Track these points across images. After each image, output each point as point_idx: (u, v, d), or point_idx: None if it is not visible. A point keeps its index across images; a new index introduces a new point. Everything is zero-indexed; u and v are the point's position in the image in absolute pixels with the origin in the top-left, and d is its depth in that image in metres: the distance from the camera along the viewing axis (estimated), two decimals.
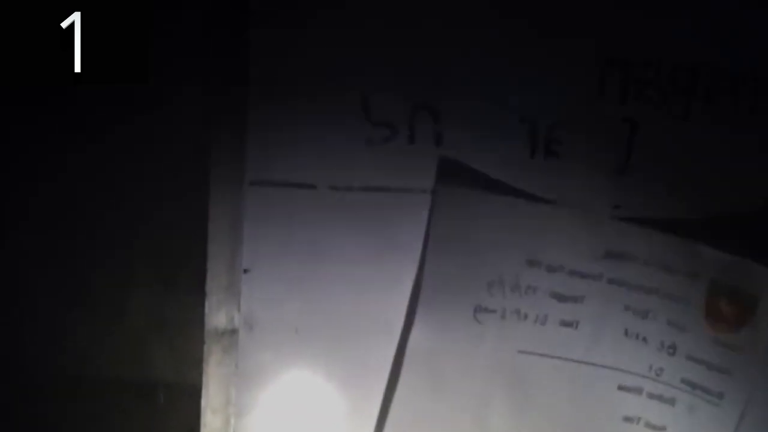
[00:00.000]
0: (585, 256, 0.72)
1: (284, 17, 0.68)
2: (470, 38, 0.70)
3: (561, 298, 0.73)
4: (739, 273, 0.72)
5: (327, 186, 0.70)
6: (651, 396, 0.74)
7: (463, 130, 0.71)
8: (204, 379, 0.72)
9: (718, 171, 0.72)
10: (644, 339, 0.73)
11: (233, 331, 0.72)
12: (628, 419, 0.74)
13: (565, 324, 0.73)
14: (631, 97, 0.71)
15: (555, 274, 0.72)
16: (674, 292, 0.72)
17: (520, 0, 0.70)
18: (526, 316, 0.72)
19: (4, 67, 0.69)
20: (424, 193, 0.71)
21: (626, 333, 0.73)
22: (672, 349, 0.73)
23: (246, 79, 0.69)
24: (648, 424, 0.74)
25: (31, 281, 0.76)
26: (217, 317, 0.72)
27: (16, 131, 0.74)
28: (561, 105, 0.71)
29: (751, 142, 0.73)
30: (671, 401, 0.73)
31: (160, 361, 0.77)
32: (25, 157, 0.74)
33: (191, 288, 0.74)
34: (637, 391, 0.74)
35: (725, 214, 0.73)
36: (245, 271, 0.71)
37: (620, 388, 0.74)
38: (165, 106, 0.72)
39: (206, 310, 0.72)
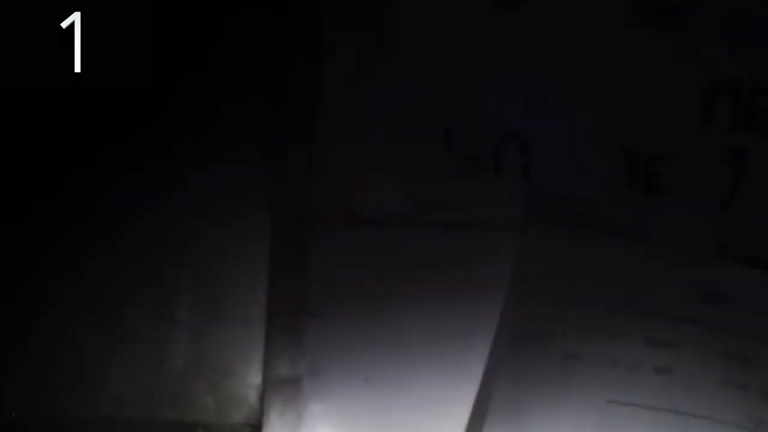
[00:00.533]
0: (683, 298, 0.67)
1: (361, 38, 0.63)
2: (561, 63, 0.65)
3: (655, 343, 0.67)
4: None
5: (403, 223, 0.65)
6: None
7: (554, 161, 0.65)
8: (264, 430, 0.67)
9: None
10: (744, 387, 0.68)
11: (297, 379, 0.66)
12: None
13: (659, 371, 0.68)
14: (740, 126, 0.65)
15: (650, 317, 0.67)
16: None
17: (617, 22, 0.65)
18: (617, 363, 0.67)
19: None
20: (509, 230, 0.66)
21: (724, 381, 0.68)
22: None
23: (317, 101, 0.63)
24: None
25: (68, 318, 0.71)
26: (279, 363, 0.67)
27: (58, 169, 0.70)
28: (662, 134, 0.66)
29: None
30: None
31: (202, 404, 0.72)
32: (64, 195, 0.70)
33: (241, 328, 0.69)
34: None
35: None
36: (312, 313, 0.66)
37: None
38: (229, 135, 0.67)
39: (266, 355, 0.67)
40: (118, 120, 0.70)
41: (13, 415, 0.71)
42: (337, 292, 0.66)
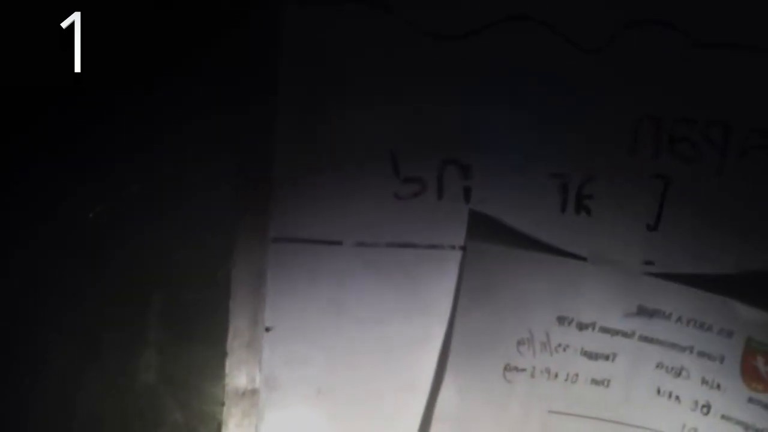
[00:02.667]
0: (617, 313, 0.71)
1: (312, 74, 0.67)
2: (499, 93, 0.69)
3: (592, 356, 0.71)
4: None
5: (353, 243, 0.69)
6: None
7: (493, 185, 0.69)
8: None
9: (751, 227, 0.71)
10: (677, 398, 0.71)
11: (254, 392, 0.70)
12: None
13: (596, 383, 0.71)
14: (664, 153, 0.70)
15: (586, 331, 0.71)
16: (708, 350, 0.71)
17: (553, 56, 0.69)
18: (556, 375, 0.71)
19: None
20: (453, 250, 0.69)
21: (659, 391, 0.71)
22: (706, 408, 0.71)
23: (273, 130, 0.67)
24: None
25: (40, 337, 0.72)
26: (237, 377, 0.70)
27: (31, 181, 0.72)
28: (592, 160, 0.70)
29: None
30: None
31: (172, 421, 0.74)
32: (35, 205, 0.71)
33: (208, 346, 0.71)
34: None
35: (760, 271, 0.71)
36: (267, 329, 0.69)
37: None
38: (189, 160, 0.70)
39: (227, 369, 0.70)
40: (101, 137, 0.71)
41: None
42: (291, 309, 0.68)
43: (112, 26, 0.69)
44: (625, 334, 0.71)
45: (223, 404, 0.71)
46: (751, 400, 0.71)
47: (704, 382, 0.71)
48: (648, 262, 0.71)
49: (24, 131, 0.71)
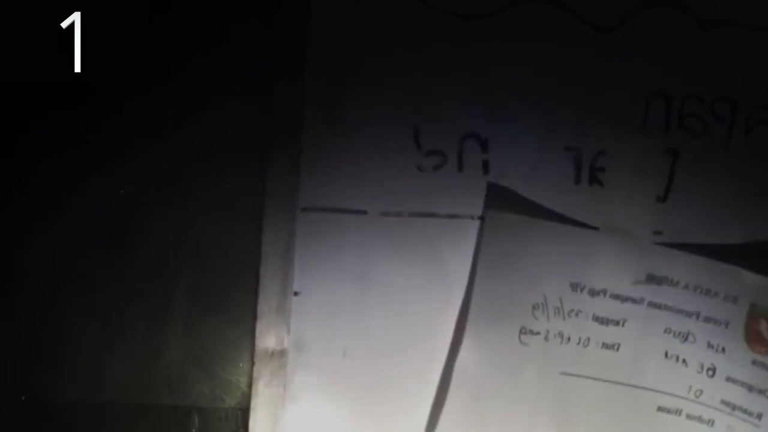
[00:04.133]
0: (627, 280, 0.74)
1: (342, 46, 0.71)
2: (517, 71, 0.73)
3: (603, 321, 0.74)
4: None
5: (378, 212, 0.73)
6: (690, 417, 0.75)
7: (510, 158, 0.73)
8: (253, 400, 0.74)
9: (757, 199, 0.75)
10: (684, 361, 0.75)
11: (282, 352, 0.74)
12: None
13: (607, 347, 0.75)
14: (674, 128, 0.74)
15: (597, 297, 0.74)
16: (714, 315, 0.74)
17: (568, 35, 0.73)
18: (569, 339, 0.74)
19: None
20: (472, 219, 0.73)
21: (666, 355, 0.75)
22: (711, 371, 0.75)
23: (302, 104, 0.71)
24: None
25: (67, 310, 0.76)
26: (267, 339, 0.74)
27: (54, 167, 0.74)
28: (606, 134, 0.74)
29: None
30: (710, 422, 0.75)
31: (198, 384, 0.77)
32: (58, 189, 0.74)
33: (236, 314, 0.75)
34: (677, 412, 0.75)
35: (765, 240, 0.75)
36: (296, 293, 0.73)
37: (660, 409, 0.75)
38: (220, 128, 0.73)
39: (257, 332, 0.74)
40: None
41: (23, 398, 0.75)
42: (319, 275, 0.72)
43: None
44: (634, 301, 0.75)
45: (247, 374, 0.74)
46: (754, 362, 0.74)
47: (710, 346, 0.75)
48: (657, 232, 0.75)
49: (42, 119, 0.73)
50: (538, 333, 0.74)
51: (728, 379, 0.75)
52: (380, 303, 0.73)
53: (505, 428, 0.74)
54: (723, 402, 0.75)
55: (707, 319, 0.74)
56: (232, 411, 0.75)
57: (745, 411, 0.75)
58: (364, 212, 0.72)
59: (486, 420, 0.74)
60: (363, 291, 0.73)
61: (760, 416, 0.75)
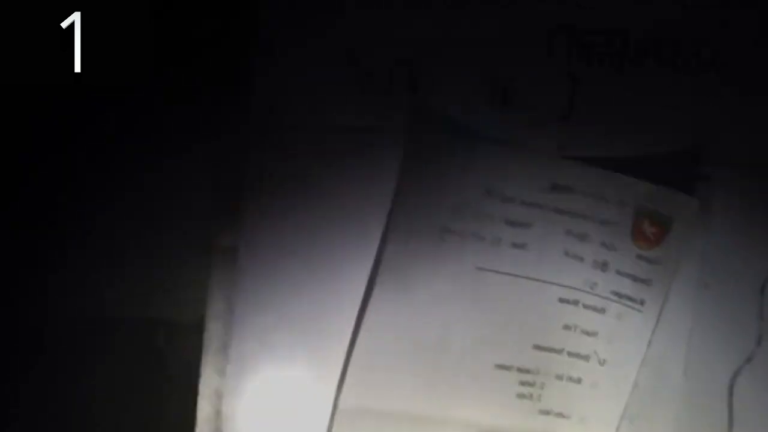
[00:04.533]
0: (534, 188, 0.84)
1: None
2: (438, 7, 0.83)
3: (513, 224, 0.84)
4: (659, 199, 0.85)
5: (317, 127, 0.83)
6: (586, 306, 0.86)
7: (435, 81, 0.83)
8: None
9: (647, 117, 0.86)
10: (581, 258, 0.85)
11: (235, 248, 0.83)
12: (566, 327, 0.86)
13: (516, 246, 0.85)
14: (575, 58, 0.84)
15: (508, 203, 0.84)
16: (607, 218, 0.85)
17: None
18: (483, 238, 0.84)
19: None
20: (399, 134, 0.83)
21: (566, 253, 0.85)
22: (604, 266, 0.85)
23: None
24: (583, 331, 0.87)
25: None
26: (221, 238, 0.83)
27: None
28: (516, 60, 0.84)
29: (677, 93, 0.87)
30: (602, 310, 0.86)
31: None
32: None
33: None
34: (575, 302, 0.86)
35: (652, 153, 0.86)
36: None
37: (561, 300, 0.86)
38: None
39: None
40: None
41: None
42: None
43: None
44: (540, 207, 0.84)
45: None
46: (639, 256, 0.86)
47: (603, 244, 0.85)
48: (561, 147, 0.85)
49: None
50: (455, 231, 0.83)
51: (618, 272, 0.85)
52: (320, 206, 0.83)
53: (428, 315, 0.85)
54: (613, 292, 0.86)
55: (601, 222, 0.85)
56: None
57: (630, 299, 0.87)
58: (305, 127, 0.82)
59: (410, 303, 0.84)
60: (305, 198, 0.83)
61: (642, 302, 0.86)
